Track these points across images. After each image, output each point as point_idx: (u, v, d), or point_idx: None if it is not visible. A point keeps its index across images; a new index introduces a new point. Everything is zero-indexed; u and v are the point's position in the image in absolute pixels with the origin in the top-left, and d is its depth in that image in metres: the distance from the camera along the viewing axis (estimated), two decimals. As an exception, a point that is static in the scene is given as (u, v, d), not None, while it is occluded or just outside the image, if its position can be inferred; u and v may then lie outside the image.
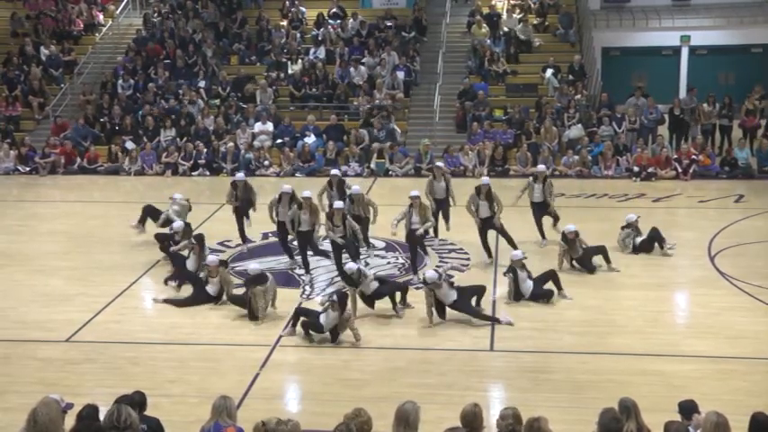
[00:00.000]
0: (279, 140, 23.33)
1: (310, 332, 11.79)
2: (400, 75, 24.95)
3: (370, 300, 12.62)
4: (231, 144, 22.84)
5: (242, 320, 12.57)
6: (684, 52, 28.00)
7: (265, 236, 16.42)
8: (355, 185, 15.71)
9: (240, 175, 16.36)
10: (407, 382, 10.51)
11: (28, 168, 23.07)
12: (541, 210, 15.72)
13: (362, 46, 26.26)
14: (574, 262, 14.44)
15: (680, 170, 21.14)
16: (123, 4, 29.10)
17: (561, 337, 11.93)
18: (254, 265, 13.44)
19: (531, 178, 15.95)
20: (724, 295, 13.41)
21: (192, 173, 22.52)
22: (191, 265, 14.13)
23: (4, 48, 27.47)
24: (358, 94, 24.53)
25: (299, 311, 12.10)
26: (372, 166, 22.34)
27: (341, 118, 24.19)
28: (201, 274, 13.64)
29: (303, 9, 28.08)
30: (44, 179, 22.59)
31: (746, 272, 14.23)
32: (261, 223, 16.05)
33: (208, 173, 22.49)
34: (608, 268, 14.40)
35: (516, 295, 13.11)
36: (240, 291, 13.18)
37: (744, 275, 14.05)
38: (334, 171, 16.81)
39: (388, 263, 15.09)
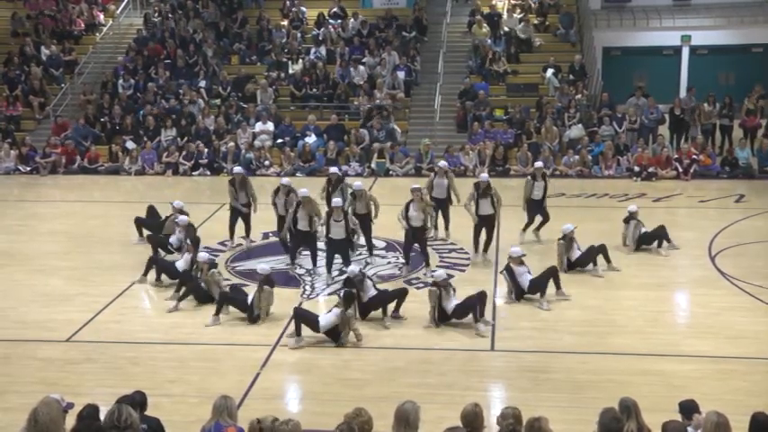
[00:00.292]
0: (279, 140, 23.34)
1: (300, 328, 11.67)
2: (401, 74, 24.96)
3: (365, 308, 12.51)
4: (232, 144, 22.85)
5: (242, 320, 12.57)
6: (685, 52, 28.00)
7: (266, 236, 16.43)
8: (357, 182, 15.70)
9: (238, 169, 16.38)
10: (407, 382, 10.51)
11: (28, 168, 23.08)
12: (538, 207, 15.70)
13: (363, 46, 26.27)
14: (565, 266, 14.22)
15: (680, 170, 21.14)
16: (124, 3, 29.13)
17: (561, 337, 11.92)
18: (263, 266, 13.29)
19: (529, 177, 15.93)
20: (724, 295, 13.41)
21: (193, 173, 22.54)
22: (182, 265, 14.07)
23: (4, 48, 27.49)
24: (358, 94, 24.54)
25: (298, 314, 11.95)
26: (373, 165, 22.35)
27: (341, 118, 24.20)
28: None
29: (304, 9, 28.09)
30: (45, 179, 22.59)
31: (747, 272, 14.23)
32: (261, 223, 16.05)
33: (208, 173, 22.51)
34: (608, 267, 14.38)
35: (517, 292, 13.06)
36: (244, 290, 13.19)
37: (744, 275, 14.05)
38: (333, 169, 16.85)
39: (389, 263, 15.09)
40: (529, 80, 25.14)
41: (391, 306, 12.55)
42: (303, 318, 11.84)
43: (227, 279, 14.15)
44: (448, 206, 15.91)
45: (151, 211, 16.76)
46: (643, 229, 15.40)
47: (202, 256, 13.62)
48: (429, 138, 22.83)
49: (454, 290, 12.37)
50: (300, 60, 25.90)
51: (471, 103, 23.85)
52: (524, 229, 15.86)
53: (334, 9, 27.77)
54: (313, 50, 26.17)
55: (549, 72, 24.74)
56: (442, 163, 16.63)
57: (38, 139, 24.23)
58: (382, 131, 23.07)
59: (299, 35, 26.88)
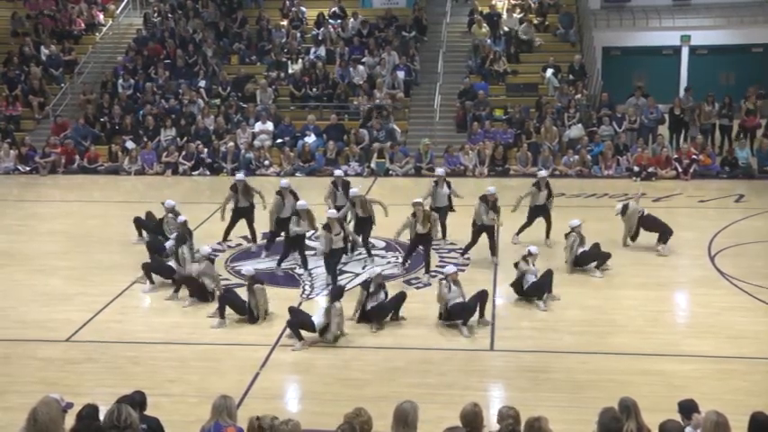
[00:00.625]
0: (279, 140, 23.33)
1: (300, 331, 11.69)
2: (400, 74, 24.96)
3: (366, 315, 12.42)
4: (231, 144, 22.84)
5: (242, 320, 12.57)
6: (685, 52, 28.00)
7: (266, 236, 16.40)
8: (353, 188, 15.53)
9: (240, 176, 16.34)
10: (407, 382, 10.51)
11: (28, 168, 23.08)
12: (541, 212, 15.71)
13: (363, 46, 26.27)
14: (567, 264, 14.26)
15: (680, 170, 21.14)
16: (123, 3, 29.14)
17: (561, 337, 11.93)
18: (247, 268, 13.41)
19: (533, 186, 15.77)
20: (724, 295, 13.41)
21: (193, 172, 22.54)
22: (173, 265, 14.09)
23: (4, 47, 27.49)
24: (358, 94, 24.53)
25: (291, 324, 11.88)
26: (373, 165, 22.34)
27: (341, 118, 24.19)
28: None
29: (303, 9, 28.11)
30: (44, 179, 22.59)
31: (746, 272, 14.23)
32: (261, 223, 16.05)
33: (208, 173, 22.51)
34: (599, 272, 14.27)
35: (517, 290, 13.10)
36: (233, 290, 13.21)
37: (744, 275, 14.04)
38: (338, 172, 16.75)
39: (389, 263, 15.08)
40: (528, 80, 25.13)
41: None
42: (298, 323, 11.79)
43: (227, 279, 14.16)
44: (447, 213, 15.85)
45: (149, 216, 16.72)
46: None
47: (205, 249, 13.63)
48: (429, 138, 22.83)
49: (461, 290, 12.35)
50: (300, 60, 25.89)
51: (471, 103, 23.85)
52: (518, 233, 15.84)
53: (334, 9, 27.78)
54: (313, 50, 26.17)
55: (549, 72, 24.73)
56: (441, 171, 16.49)
57: (37, 139, 24.23)
58: (382, 131, 23.07)
59: (298, 35, 26.88)
